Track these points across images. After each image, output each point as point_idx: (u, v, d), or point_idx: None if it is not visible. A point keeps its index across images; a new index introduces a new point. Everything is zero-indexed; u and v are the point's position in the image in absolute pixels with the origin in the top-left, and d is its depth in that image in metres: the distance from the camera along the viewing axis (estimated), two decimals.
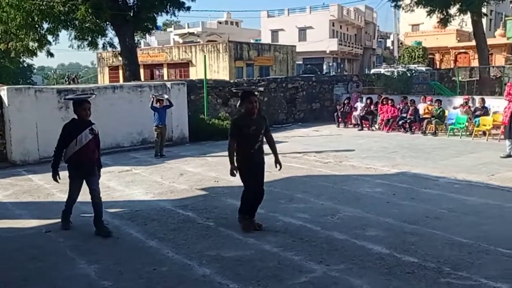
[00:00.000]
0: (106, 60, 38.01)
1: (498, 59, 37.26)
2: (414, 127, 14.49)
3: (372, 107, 15.99)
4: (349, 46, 51.78)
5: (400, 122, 14.79)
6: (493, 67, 29.84)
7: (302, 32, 49.14)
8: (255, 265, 4.52)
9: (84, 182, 5.58)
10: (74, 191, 5.64)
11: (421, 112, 14.71)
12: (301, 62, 44.54)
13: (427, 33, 44.22)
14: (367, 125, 15.70)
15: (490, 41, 30.16)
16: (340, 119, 16.52)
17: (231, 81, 17.93)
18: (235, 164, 5.39)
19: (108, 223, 5.77)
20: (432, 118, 14.22)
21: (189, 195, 7.35)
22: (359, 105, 16.40)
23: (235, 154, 5.43)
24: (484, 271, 4.33)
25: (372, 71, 32.43)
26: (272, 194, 7.27)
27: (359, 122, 15.86)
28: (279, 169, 5.73)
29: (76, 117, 5.52)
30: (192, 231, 5.60)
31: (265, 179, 8.21)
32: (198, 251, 4.93)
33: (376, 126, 15.66)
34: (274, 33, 50.15)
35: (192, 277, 4.31)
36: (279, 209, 6.46)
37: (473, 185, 7.70)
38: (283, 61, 37.03)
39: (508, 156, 9.80)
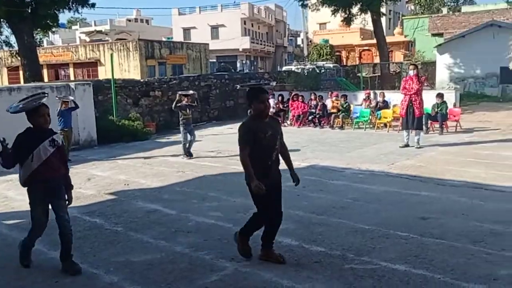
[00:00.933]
0: (4, 60, 35.17)
1: (397, 56, 40.06)
2: (323, 122, 15.10)
3: (283, 103, 16.43)
4: (261, 44, 52.69)
5: (310, 118, 15.36)
6: (393, 63, 32.07)
7: (215, 30, 49.14)
8: (165, 268, 4.43)
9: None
10: (39, 221, 4.34)
11: (328, 107, 15.37)
12: (214, 60, 44.54)
13: (334, 32, 46.39)
14: (280, 121, 16.06)
15: (389, 39, 32.34)
16: None
17: (142, 80, 17.44)
18: (254, 177, 4.20)
19: (4, 236, 5.34)
20: (339, 113, 14.92)
21: (96, 201, 7.02)
22: (271, 101, 16.74)
23: (247, 166, 4.31)
24: (384, 254, 4.62)
25: (284, 68, 33.33)
26: (184, 195, 7.22)
27: None
28: (296, 184, 4.70)
29: (31, 125, 4.31)
30: (99, 238, 5.36)
31: (178, 180, 8.24)
32: (105, 258, 4.73)
33: (288, 122, 16.09)
34: (186, 31, 49.62)
35: (97, 285, 4.12)
36: (192, 209, 6.39)
37: (375, 174, 8.20)
38: (197, 59, 36.76)
39: (406, 145, 10.56)
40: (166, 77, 19.37)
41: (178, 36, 48.44)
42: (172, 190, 7.51)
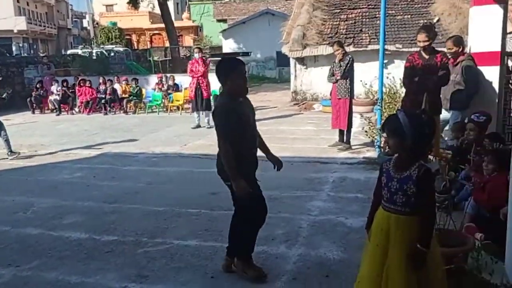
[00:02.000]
0: None
1: (188, 40, 41.13)
2: (115, 107, 14.58)
3: (69, 89, 15.25)
4: (40, 26, 47.58)
5: (100, 103, 14.64)
6: (183, 47, 32.80)
7: None
8: None
9: None
10: None
11: (119, 92, 14.87)
12: None
13: (122, 14, 44.79)
14: (66, 109, 14.91)
15: (178, 24, 32.92)
16: (34, 105, 15.12)
17: None
18: (239, 176, 3.37)
19: None
20: (131, 97, 14.59)
21: None
22: (55, 88, 15.37)
23: (231, 162, 3.37)
24: (177, 233, 4.72)
25: (68, 52, 30.90)
26: None
27: (56, 107, 14.88)
28: (279, 169, 3.88)
29: None
30: None
31: None
32: None
33: (76, 109, 15.04)
34: None
35: None
36: None
37: (169, 156, 8.31)
38: None
39: (198, 126, 10.99)
40: None
41: None
42: None
